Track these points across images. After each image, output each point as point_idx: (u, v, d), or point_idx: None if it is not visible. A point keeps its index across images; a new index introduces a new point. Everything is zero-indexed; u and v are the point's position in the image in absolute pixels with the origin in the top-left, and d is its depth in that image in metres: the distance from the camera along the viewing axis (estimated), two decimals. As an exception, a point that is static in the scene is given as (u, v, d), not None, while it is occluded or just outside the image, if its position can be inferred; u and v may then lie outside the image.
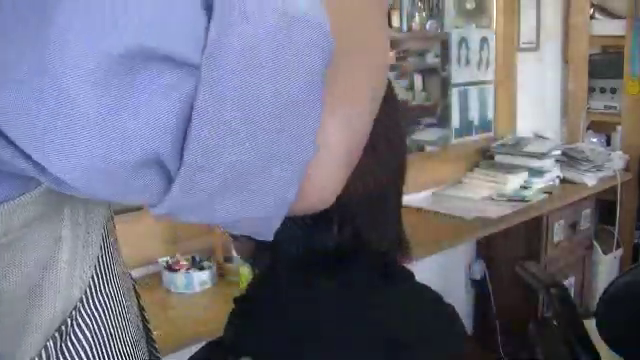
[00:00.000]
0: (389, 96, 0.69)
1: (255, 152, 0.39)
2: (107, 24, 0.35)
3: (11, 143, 0.37)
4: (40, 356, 0.49)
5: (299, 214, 0.45)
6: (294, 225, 0.65)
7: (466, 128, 3.21)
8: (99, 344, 0.54)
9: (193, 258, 2.03)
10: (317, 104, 0.40)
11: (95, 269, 0.54)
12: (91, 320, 0.54)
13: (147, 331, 0.67)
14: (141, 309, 0.68)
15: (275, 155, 0.39)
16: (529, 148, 3.15)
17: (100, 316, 0.55)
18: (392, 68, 4.39)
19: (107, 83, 0.35)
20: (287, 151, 0.40)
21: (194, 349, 0.68)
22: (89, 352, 0.53)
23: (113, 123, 0.36)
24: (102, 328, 0.54)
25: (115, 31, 0.34)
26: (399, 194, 0.71)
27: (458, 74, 3.14)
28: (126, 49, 0.35)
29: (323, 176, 0.43)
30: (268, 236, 0.45)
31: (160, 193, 0.39)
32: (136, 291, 0.68)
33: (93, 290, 0.54)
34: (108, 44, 0.34)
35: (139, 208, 2.13)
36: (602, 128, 3.87)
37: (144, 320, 0.68)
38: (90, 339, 0.54)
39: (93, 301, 0.54)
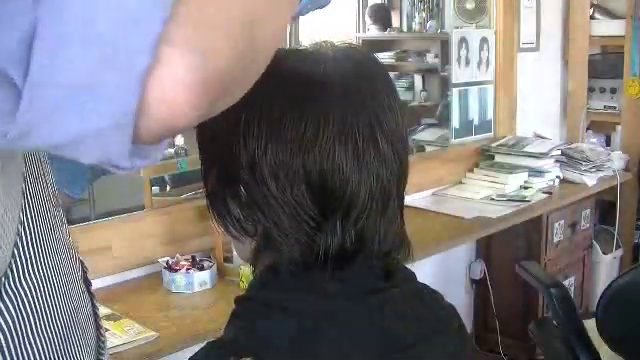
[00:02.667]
0: (391, 96, 0.69)
1: (90, 66, 0.41)
2: None
3: None
4: None
5: (155, 135, 0.44)
6: (297, 226, 0.66)
7: (466, 128, 3.21)
8: (19, 327, 0.58)
9: (193, 258, 2.03)
10: (157, 21, 0.41)
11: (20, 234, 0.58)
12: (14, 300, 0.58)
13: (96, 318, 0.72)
14: (92, 297, 0.73)
15: (113, 61, 0.41)
16: (529, 148, 3.15)
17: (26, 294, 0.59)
18: (392, 68, 4.40)
19: None
20: (123, 58, 0.41)
21: (195, 349, 0.68)
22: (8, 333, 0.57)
23: None
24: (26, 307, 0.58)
25: None
26: (401, 195, 0.71)
27: (458, 74, 3.14)
28: None
29: (170, 85, 0.42)
30: (123, 162, 0.44)
31: (11, 113, 0.41)
32: (87, 280, 0.73)
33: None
34: None
35: (139, 208, 2.13)
36: (602, 128, 3.87)
37: (94, 307, 0.72)
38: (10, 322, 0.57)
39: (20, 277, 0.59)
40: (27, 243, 0.61)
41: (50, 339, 0.63)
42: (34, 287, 0.62)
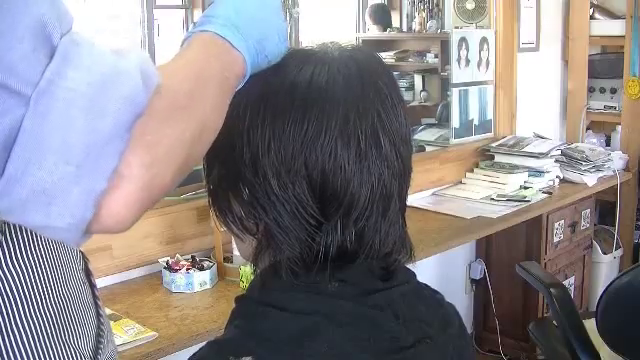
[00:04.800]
0: (395, 97, 0.69)
1: (59, 176, 0.49)
2: None
3: None
4: None
5: (98, 233, 0.54)
6: (297, 224, 0.66)
7: (466, 128, 3.21)
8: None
9: (193, 258, 2.03)
10: (118, 147, 0.51)
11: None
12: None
13: (97, 307, 0.77)
14: (93, 287, 0.77)
15: (76, 182, 0.50)
16: (529, 148, 3.15)
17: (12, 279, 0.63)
18: (392, 68, 4.40)
19: None
20: (86, 180, 0.50)
21: (194, 349, 0.68)
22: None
23: None
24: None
25: None
26: (403, 197, 0.71)
27: (458, 74, 3.14)
28: None
29: (118, 205, 0.52)
30: (75, 244, 0.55)
31: None
32: (88, 270, 0.77)
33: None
34: None
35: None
36: (602, 128, 3.87)
37: (94, 297, 0.77)
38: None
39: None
40: (15, 227, 0.62)
41: (42, 322, 0.64)
42: (23, 271, 0.63)
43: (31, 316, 0.63)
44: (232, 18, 0.64)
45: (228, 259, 2.06)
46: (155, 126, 0.53)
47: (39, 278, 0.65)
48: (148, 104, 0.52)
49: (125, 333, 1.63)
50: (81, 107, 0.49)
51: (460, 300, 3.24)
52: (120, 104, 0.50)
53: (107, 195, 0.51)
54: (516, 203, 2.85)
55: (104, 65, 0.51)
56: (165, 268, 1.97)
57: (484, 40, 3.22)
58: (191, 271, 1.95)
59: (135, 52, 0.54)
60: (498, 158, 3.19)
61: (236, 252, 1.96)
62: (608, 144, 3.79)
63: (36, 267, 0.65)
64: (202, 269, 1.97)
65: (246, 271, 1.91)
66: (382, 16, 4.69)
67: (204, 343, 0.67)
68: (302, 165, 0.65)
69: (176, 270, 1.96)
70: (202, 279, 1.95)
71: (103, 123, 0.50)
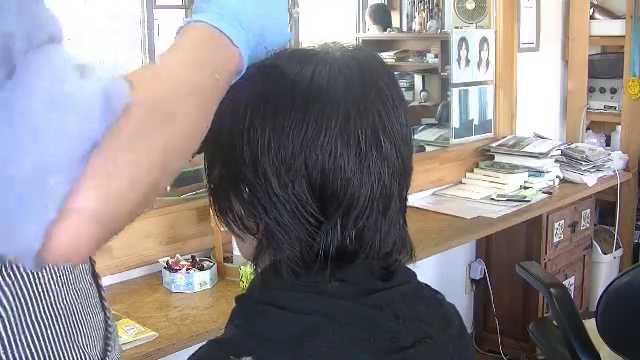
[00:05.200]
0: (396, 98, 0.69)
1: (8, 204, 0.46)
2: None
3: None
4: None
5: (52, 263, 0.51)
6: (298, 223, 0.66)
7: (466, 128, 3.21)
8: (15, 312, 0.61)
9: (193, 258, 2.03)
10: (69, 176, 0.47)
11: None
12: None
13: (104, 309, 0.77)
14: (99, 289, 0.78)
15: (26, 211, 0.47)
16: (529, 148, 3.15)
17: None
18: (392, 68, 4.39)
19: None
20: (34, 210, 0.47)
21: (194, 349, 0.68)
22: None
23: None
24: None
25: None
26: (403, 197, 0.71)
27: (458, 74, 3.14)
28: None
29: (67, 236, 0.49)
30: (31, 269, 0.56)
31: None
32: (95, 272, 0.77)
33: None
34: None
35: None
36: (602, 128, 3.87)
37: (101, 298, 0.77)
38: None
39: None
40: None
41: (50, 325, 0.64)
42: (31, 273, 0.62)
43: (40, 318, 0.63)
44: (236, 10, 0.63)
45: (228, 259, 2.06)
46: (114, 155, 0.49)
47: (47, 280, 0.65)
48: (115, 128, 0.49)
49: (125, 333, 1.63)
50: (33, 130, 0.46)
51: (460, 300, 3.24)
52: (75, 129, 0.47)
53: (57, 225, 0.48)
54: (516, 203, 2.85)
55: (67, 84, 0.48)
56: (165, 268, 1.97)
57: (484, 40, 3.22)
58: (191, 271, 1.95)
59: (104, 71, 0.51)
60: (498, 158, 3.19)
61: (236, 252, 1.96)
62: (608, 144, 3.79)
63: (44, 269, 0.65)
64: (202, 269, 1.97)
65: (246, 271, 1.91)
66: (382, 16, 4.69)
67: (204, 343, 0.67)
68: (302, 164, 0.65)
69: (176, 270, 1.96)
70: (202, 279, 1.95)
71: (54, 148, 0.46)
